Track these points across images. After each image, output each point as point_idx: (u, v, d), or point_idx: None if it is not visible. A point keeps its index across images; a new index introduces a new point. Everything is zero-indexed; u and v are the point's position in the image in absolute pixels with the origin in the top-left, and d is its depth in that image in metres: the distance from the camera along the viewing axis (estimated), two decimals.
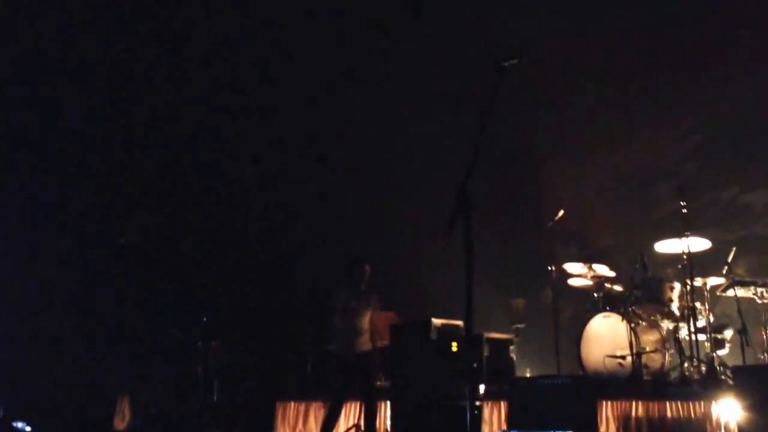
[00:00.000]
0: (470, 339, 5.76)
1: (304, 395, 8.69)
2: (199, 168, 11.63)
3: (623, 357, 6.94)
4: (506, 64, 4.27)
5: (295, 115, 11.17)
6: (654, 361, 6.99)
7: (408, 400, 7.01)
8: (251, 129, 11.40)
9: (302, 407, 8.52)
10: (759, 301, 6.96)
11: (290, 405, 8.67)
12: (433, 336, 7.30)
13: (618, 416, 6.20)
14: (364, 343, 7.34)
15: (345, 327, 7.32)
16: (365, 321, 7.36)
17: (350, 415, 7.76)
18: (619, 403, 6.24)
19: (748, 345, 6.71)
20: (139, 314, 10.61)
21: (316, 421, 8.23)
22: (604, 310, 7.39)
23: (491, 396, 6.93)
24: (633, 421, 6.11)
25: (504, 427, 6.52)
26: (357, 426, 7.31)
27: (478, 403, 6.74)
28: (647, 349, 6.97)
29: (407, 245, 10.16)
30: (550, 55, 9.04)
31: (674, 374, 6.90)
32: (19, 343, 10.41)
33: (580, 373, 7.19)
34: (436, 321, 7.40)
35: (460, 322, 7.30)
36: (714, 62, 8.76)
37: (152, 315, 10.40)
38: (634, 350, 6.86)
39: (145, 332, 10.41)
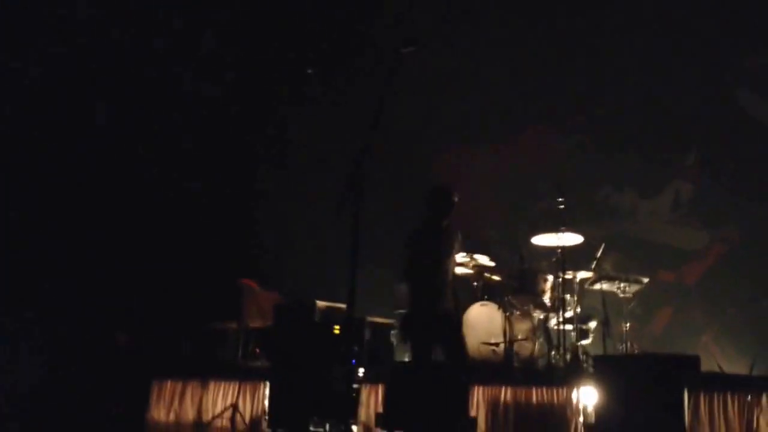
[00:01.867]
0: (352, 322, 5.94)
1: (182, 374, 8.61)
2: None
3: (497, 344, 7.29)
4: (404, 50, 4.39)
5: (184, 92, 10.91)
6: (525, 348, 7.37)
7: (288, 381, 7.11)
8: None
9: (179, 386, 8.47)
10: (621, 295, 7.46)
11: (167, 384, 8.60)
12: (317, 318, 7.41)
13: (488, 401, 6.50)
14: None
15: None
16: None
17: (227, 395, 7.80)
18: (490, 388, 6.53)
19: (609, 336, 7.17)
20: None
21: (192, 401, 8.19)
22: (482, 298, 7.72)
23: (370, 379, 7.11)
24: (502, 405, 6.43)
25: (381, 410, 6.72)
26: (234, 405, 7.36)
27: (356, 386, 6.92)
28: (519, 337, 7.34)
29: (295, 226, 10.23)
30: (442, 49, 9.30)
31: (542, 362, 7.31)
32: None
33: None
34: (321, 303, 7.51)
35: (344, 305, 7.44)
36: (596, 66, 9.24)
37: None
38: (507, 338, 7.22)
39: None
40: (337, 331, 7.03)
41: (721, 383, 5.34)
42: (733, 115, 8.73)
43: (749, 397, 5.05)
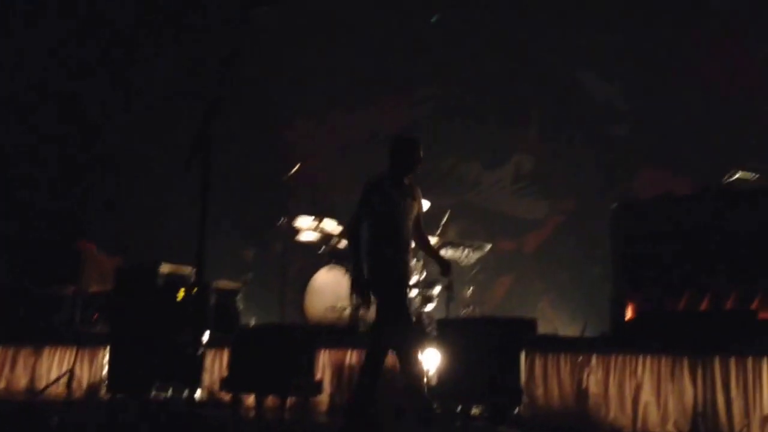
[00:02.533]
0: (197, 286, 5.79)
1: (13, 340, 8.12)
2: None
3: (343, 309, 7.34)
4: (257, 8, 4.25)
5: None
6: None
7: (129, 346, 6.89)
8: None
9: (10, 353, 8.00)
10: (464, 262, 7.70)
11: None
12: (160, 282, 7.20)
13: (333, 363, 6.55)
14: None
15: None
16: None
17: (63, 362, 7.47)
18: (335, 351, 6.59)
19: (452, 301, 7.38)
20: None
21: (24, 368, 7.78)
22: (329, 263, 7.73)
23: (215, 344, 6.99)
24: (346, 368, 6.50)
25: (225, 374, 6.64)
26: (71, 371, 7.05)
27: (201, 350, 6.79)
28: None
29: (137, 186, 9.84)
30: (299, 12, 9.17)
31: None
32: None
33: (301, 322, 7.50)
34: (165, 267, 7.30)
35: (189, 269, 7.27)
36: (445, 42, 9.42)
37: None
38: (353, 303, 7.28)
39: None
40: (181, 296, 6.85)
41: (554, 345, 5.61)
42: (571, 91, 9.15)
43: (580, 357, 5.34)
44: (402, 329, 5.08)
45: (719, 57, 8.18)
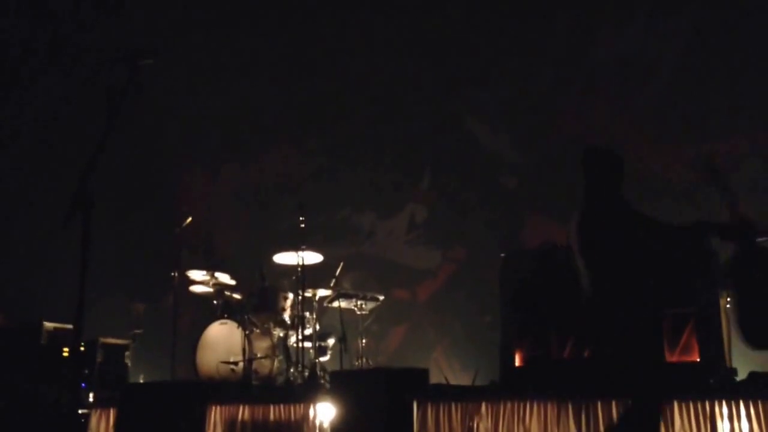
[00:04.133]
0: (81, 344, 5.60)
1: None
2: None
3: (236, 363, 7.23)
4: (141, 62, 4.19)
5: None
6: (264, 366, 7.38)
7: (9, 407, 6.56)
8: None
9: None
10: (358, 312, 7.75)
11: None
12: (44, 340, 6.94)
13: (225, 420, 6.42)
14: None
15: None
16: None
17: None
18: (227, 407, 6.45)
19: (346, 352, 7.39)
20: None
21: None
22: (222, 317, 7.62)
23: (101, 403, 6.76)
24: (239, 424, 6.37)
25: None
26: None
27: (85, 410, 6.55)
28: (258, 355, 7.34)
29: (20, 241, 9.47)
30: (184, 63, 9.13)
31: (281, 378, 7.36)
32: None
33: (193, 378, 7.33)
34: (48, 324, 7.04)
35: (70, 326, 7.02)
36: (336, 92, 9.56)
37: None
38: (247, 356, 7.19)
39: None
40: (65, 354, 6.61)
41: (446, 394, 5.68)
42: (461, 142, 9.40)
43: (470, 405, 5.42)
44: None
45: (591, 111, 8.55)
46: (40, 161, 9.62)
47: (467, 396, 5.54)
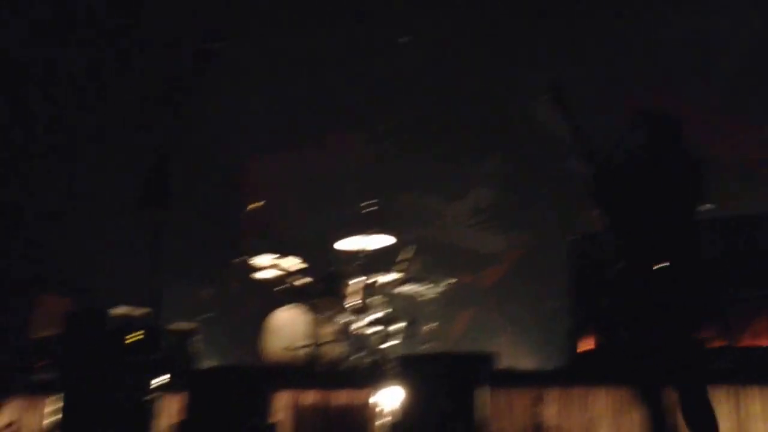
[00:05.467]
0: (151, 329, 5.68)
1: None
2: None
3: (302, 348, 7.25)
4: (211, 46, 4.21)
5: None
6: (330, 351, 7.38)
7: (80, 394, 6.70)
8: None
9: None
10: (425, 297, 7.68)
11: None
12: (111, 326, 7.04)
13: (291, 405, 6.45)
14: None
15: None
16: None
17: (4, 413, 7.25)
18: (293, 392, 6.49)
19: (413, 337, 7.35)
20: None
21: None
22: (287, 302, 7.65)
23: (170, 388, 6.85)
24: (305, 409, 6.40)
25: (181, 418, 6.49)
26: (11, 423, 6.86)
27: (155, 395, 6.64)
28: (324, 340, 7.35)
29: (88, 227, 9.65)
30: (248, 50, 9.15)
31: (346, 364, 7.35)
32: None
33: (259, 363, 7.38)
34: (117, 310, 7.15)
35: (142, 311, 7.13)
36: (397, 75, 9.46)
37: None
38: (312, 342, 7.20)
39: None
40: (133, 340, 6.70)
41: (512, 378, 5.59)
42: (529, 124, 9.20)
43: (536, 390, 5.32)
44: None
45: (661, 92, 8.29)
46: (109, 147, 9.77)
47: (534, 381, 5.45)
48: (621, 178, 4.70)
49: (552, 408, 5.18)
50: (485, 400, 5.46)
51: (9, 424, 6.99)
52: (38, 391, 7.16)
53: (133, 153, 8.39)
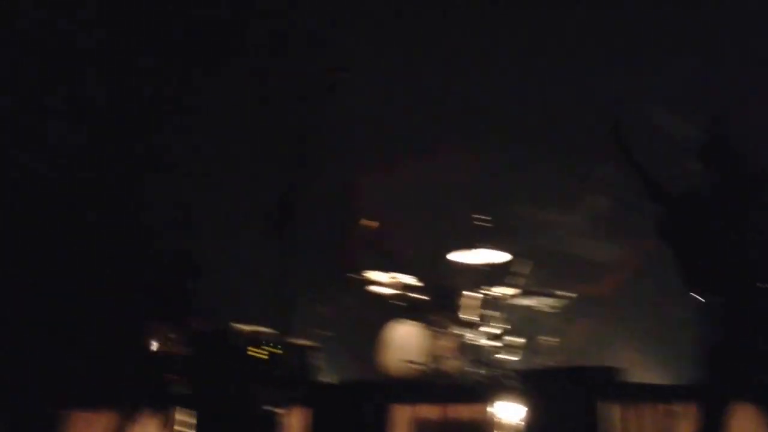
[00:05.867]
0: (276, 346, 5.82)
1: (90, 404, 8.17)
2: None
3: (419, 362, 7.28)
4: (336, 76, 4.35)
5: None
6: (448, 366, 7.38)
7: (211, 409, 6.93)
8: None
9: (90, 417, 8.10)
10: (541, 309, 7.56)
11: (77, 414, 8.19)
12: (239, 342, 7.26)
13: (411, 420, 6.48)
14: None
15: None
16: None
17: (144, 425, 7.54)
18: (412, 407, 6.51)
19: (531, 350, 7.25)
20: None
21: None
22: (403, 317, 7.70)
23: (295, 403, 7.00)
24: (424, 423, 6.41)
25: None
26: None
27: (280, 410, 6.80)
28: (441, 355, 7.35)
29: (217, 248, 9.98)
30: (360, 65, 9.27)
31: (465, 378, 7.33)
32: None
33: (379, 378, 7.45)
34: (243, 327, 7.37)
35: (266, 329, 7.33)
36: (506, 85, 9.38)
37: None
38: (430, 356, 7.22)
39: None
40: (260, 355, 6.90)
41: (640, 393, 5.44)
42: (644, 129, 8.96)
43: (664, 406, 5.15)
44: None
45: None
46: (237, 170, 10.03)
47: (663, 396, 5.28)
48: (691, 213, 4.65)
49: (685, 424, 5.00)
50: (612, 415, 5.34)
51: None
52: (170, 406, 7.44)
53: (260, 179, 8.68)
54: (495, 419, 6.19)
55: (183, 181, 10.02)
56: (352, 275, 8.12)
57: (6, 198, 9.46)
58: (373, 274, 7.99)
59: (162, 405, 7.27)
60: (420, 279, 8.05)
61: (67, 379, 8.53)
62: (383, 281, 7.96)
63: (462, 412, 6.36)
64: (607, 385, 5.52)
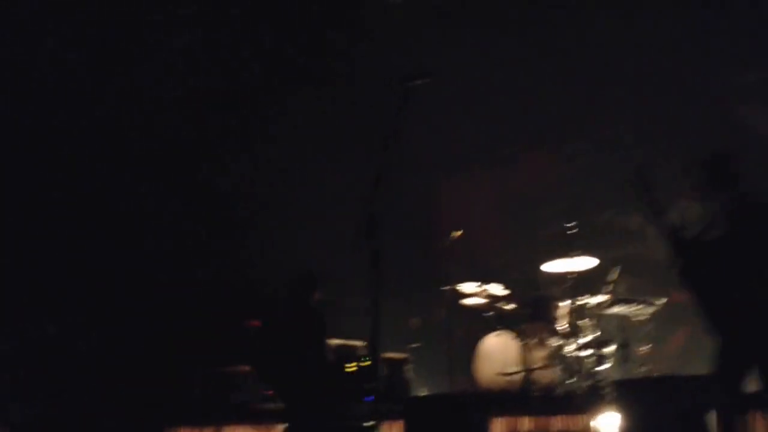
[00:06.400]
0: (369, 359, 5.85)
1: (195, 421, 8.37)
2: None
3: (514, 374, 7.20)
4: (412, 84, 4.34)
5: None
6: (543, 377, 7.28)
7: (304, 422, 7.00)
8: None
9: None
10: (637, 318, 7.39)
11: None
12: (331, 356, 7.33)
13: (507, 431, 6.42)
14: None
15: None
16: None
17: None
18: (509, 419, 6.45)
19: (627, 360, 7.09)
20: None
21: None
22: (496, 328, 7.64)
23: (388, 416, 7.01)
24: None
25: None
26: None
27: (373, 423, 6.82)
28: (536, 365, 7.26)
29: (304, 263, 10.07)
30: (443, 74, 9.23)
31: (561, 389, 7.21)
32: None
33: (473, 390, 7.40)
34: (333, 341, 7.44)
35: (357, 342, 7.38)
36: (593, 91, 9.24)
37: None
38: (524, 367, 7.14)
39: None
40: (352, 369, 6.94)
41: (746, 402, 5.24)
42: (735, 132, 8.70)
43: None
44: None
45: None
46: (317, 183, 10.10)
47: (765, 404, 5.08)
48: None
49: None
50: (720, 426, 5.16)
51: None
52: (265, 419, 7.55)
53: (345, 193, 8.74)
54: (591, 430, 6.08)
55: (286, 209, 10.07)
56: (442, 287, 8.09)
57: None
58: (464, 286, 7.95)
59: (258, 419, 7.40)
60: (511, 289, 7.97)
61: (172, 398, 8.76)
62: (473, 292, 7.91)
63: (560, 423, 6.27)
64: (712, 394, 5.34)
